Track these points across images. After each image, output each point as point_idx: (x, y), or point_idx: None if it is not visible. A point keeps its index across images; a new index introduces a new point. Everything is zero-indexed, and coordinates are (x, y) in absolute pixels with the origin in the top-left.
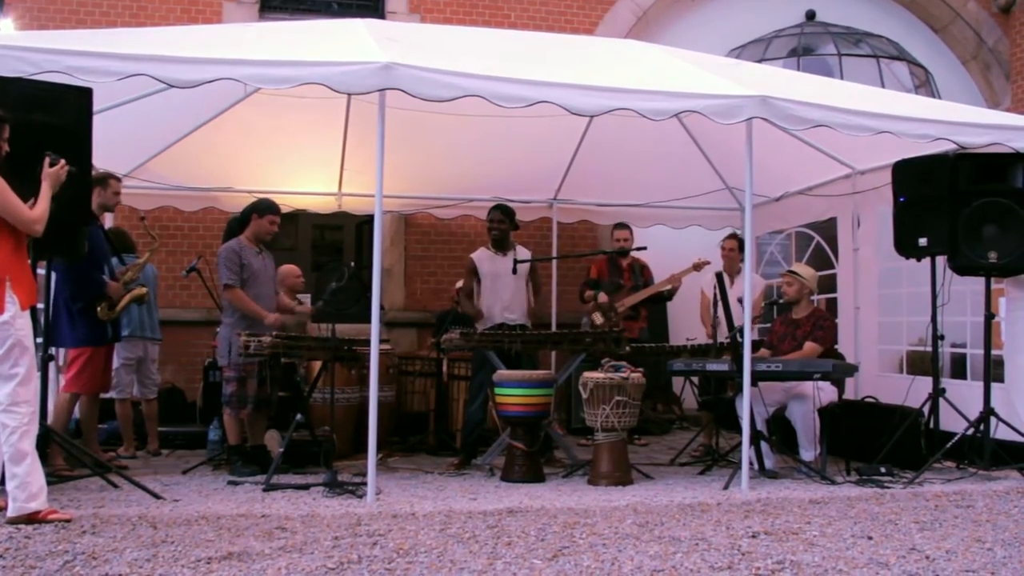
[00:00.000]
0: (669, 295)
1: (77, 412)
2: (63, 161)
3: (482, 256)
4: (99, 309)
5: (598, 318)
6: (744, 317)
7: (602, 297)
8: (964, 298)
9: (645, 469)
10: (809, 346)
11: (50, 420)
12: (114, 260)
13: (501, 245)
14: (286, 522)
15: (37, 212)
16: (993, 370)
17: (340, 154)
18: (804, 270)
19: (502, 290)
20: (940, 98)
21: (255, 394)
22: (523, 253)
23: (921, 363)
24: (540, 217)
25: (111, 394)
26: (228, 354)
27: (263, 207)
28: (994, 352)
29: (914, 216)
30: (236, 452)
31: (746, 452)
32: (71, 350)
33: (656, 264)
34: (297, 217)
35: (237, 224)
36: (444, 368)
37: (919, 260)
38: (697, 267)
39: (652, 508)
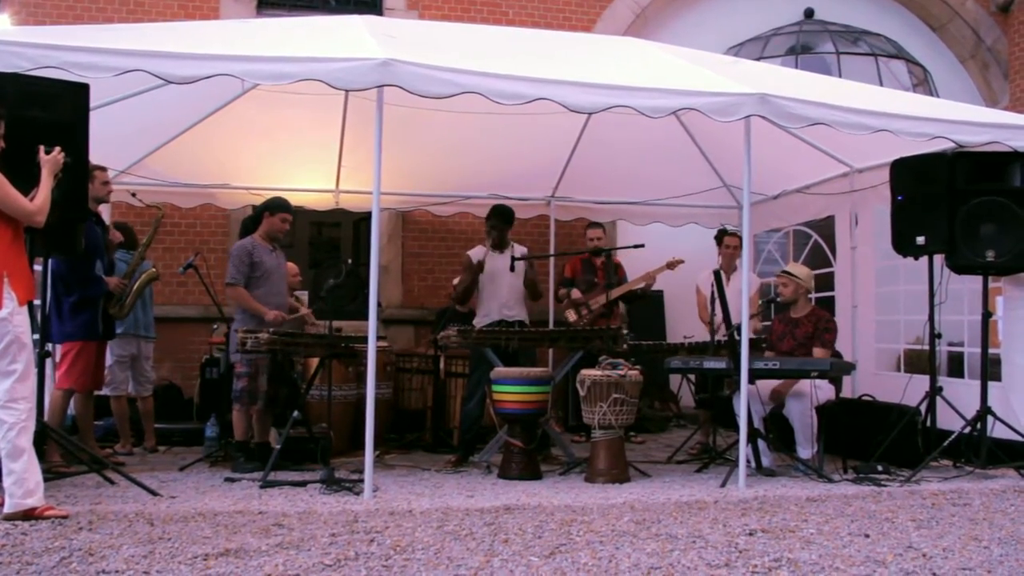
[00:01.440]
0: (643, 293)
1: (72, 409)
2: (58, 148)
3: (479, 253)
4: (111, 310)
5: (571, 315)
6: (742, 315)
7: (575, 293)
8: (962, 297)
9: (642, 467)
10: (819, 352)
11: (45, 417)
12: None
13: (499, 244)
14: (283, 519)
15: (38, 202)
16: (990, 369)
17: (338, 151)
18: (798, 270)
19: (500, 287)
20: (938, 97)
21: (265, 391)
22: (519, 251)
23: (918, 361)
24: (538, 215)
25: (106, 391)
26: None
27: (275, 205)
28: (991, 351)
29: (912, 215)
30: (240, 448)
31: (743, 450)
32: (61, 345)
33: (651, 263)
34: (294, 214)
35: (251, 223)
36: (441, 365)
37: (917, 259)
38: (671, 266)
39: (649, 506)
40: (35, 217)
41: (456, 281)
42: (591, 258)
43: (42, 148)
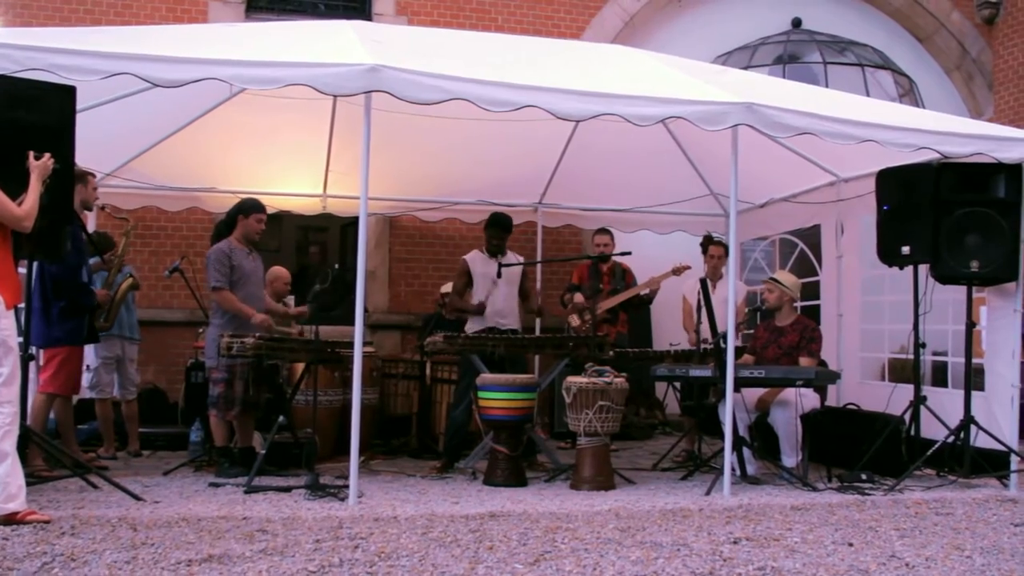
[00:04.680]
0: (648, 299)
1: (53, 413)
2: (48, 154)
3: (476, 258)
4: (96, 324)
5: (574, 320)
6: (728, 323)
7: (578, 298)
8: (946, 306)
9: (627, 474)
10: (805, 361)
11: (28, 421)
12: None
13: (498, 253)
14: (267, 525)
15: (26, 207)
16: (974, 379)
17: (325, 155)
18: (785, 277)
19: (494, 294)
20: (924, 107)
21: (242, 396)
22: (510, 258)
23: (903, 371)
24: (525, 221)
25: (91, 394)
26: (216, 355)
27: (248, 207)
28: (975, 361)
29: (897, 224)
30: (223, 454)
31: (728, 458)
32: (46, 350)
33: (640, 269)
34: (282, 218)
35: (224, 227)
36: (427, 371)
37: (902, 268)
38: (677, 271)
39: (634, 513)
40: (23, 222)
41: (444, 289)
42: (598, 263)
43: (32, 154)
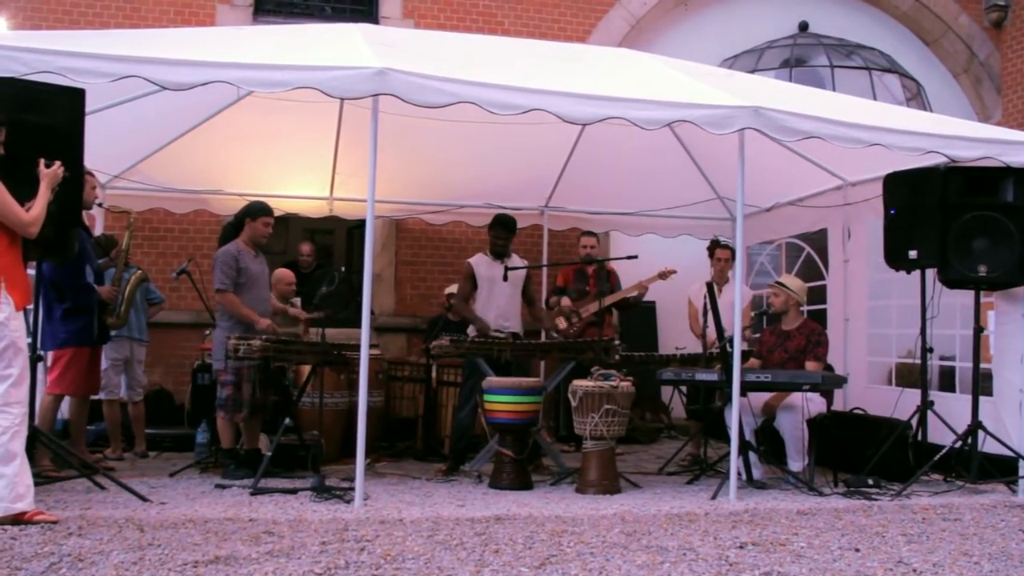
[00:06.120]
0: (635, 302)
1: (66, 413)
2: (59, 162)
3: (480, 261)
4: (108, 321)
5: (561, 323)
6: (735, 327)
7: (565, 301)
8: (953, 311)
9: (633, 478)
10: (811, 365)
11: (36, 422)
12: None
13: (503, 255)
14: (273, 526)
15: (34, 214)
16: (982, 383)
17: (332, 158)
18: (791, 281)
19: (498, 297)
20: (931, 111)
21: (250, 398)
22: (516, 261)
23: (910, 375)
24: (531, 224)
25: (99, 395)
26: (224, 357)
27: (255, 210)
28: (983, 365)
29: (904, 228)
30: (229, 456)
31: (734, 462)
32: (53, 351)
33: (643, 273)
34: (288, 221)
35: (232, 229)
36: (433, 374)
37: (909, 272)
38: (663, 275)
39: (640, 517)
40: (29, 228)
41: (448, 290)
42: (584, 266)
43: (42, 161)
